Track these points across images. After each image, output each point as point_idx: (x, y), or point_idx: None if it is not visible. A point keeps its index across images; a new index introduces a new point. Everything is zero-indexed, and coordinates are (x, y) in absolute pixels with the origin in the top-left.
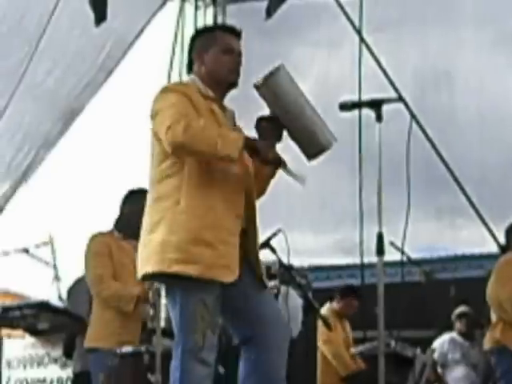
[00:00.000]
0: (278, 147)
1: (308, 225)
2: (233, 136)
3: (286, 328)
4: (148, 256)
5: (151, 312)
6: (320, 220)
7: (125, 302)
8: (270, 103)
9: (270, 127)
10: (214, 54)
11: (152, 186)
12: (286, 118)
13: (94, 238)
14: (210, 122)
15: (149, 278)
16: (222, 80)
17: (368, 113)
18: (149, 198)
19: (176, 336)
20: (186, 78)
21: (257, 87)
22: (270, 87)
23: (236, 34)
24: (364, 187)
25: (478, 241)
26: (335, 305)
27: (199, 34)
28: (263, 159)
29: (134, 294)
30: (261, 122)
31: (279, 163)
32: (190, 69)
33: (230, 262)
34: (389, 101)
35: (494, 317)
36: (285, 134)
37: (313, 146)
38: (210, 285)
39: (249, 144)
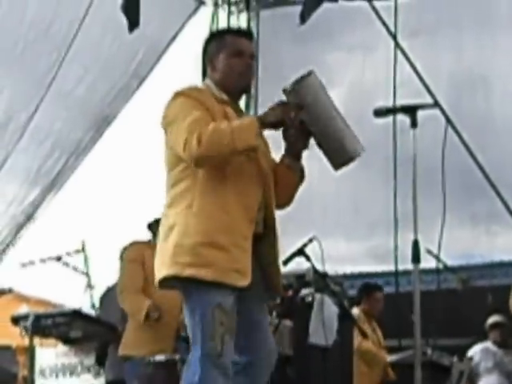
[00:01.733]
0: (305, 155)
1: (342, 232)
2: (246, 123)
3: (274, 349)
4: (163, 261)
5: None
6: (354, 227)
7: (136, 315)
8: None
9: (298, 133)
10: (224, 57)
11: (166, 192)
12: (314, 124)
13: (129, 245)
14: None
15: (164, 283)
16: (234, 83)
17: (403, 118)
18: (164, 204)
19: (193, 341)
20: None
21: (285, 92)
22: (299, 93)
23: (246, 36)
24: (398, 193)
25: None
26: (364, 306)
27: (210, 39)
28: (284, 125)
29: (143, 308)
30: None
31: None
32: (204, 75)
33: (242, 267)
34: (424, 106)
35: None
36: (312, 141)
37: (340, 155)
38: (225, 289)
39: (264, 121)
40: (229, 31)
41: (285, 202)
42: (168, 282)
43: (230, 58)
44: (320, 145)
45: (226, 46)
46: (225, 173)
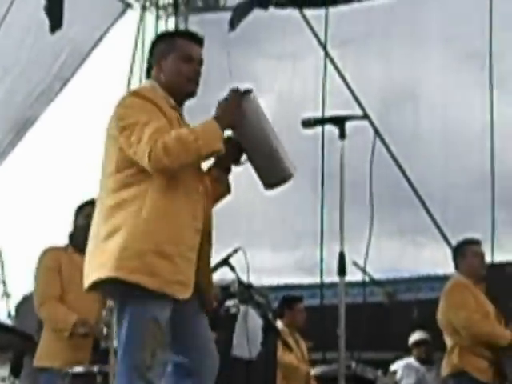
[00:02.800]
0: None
1: (268, 243)
2: (209, 128)
3: (217, 357)
4: (102, 262)
5: (105, 331)
6: (280, 238)
7: (60, 328)
8: (234, 127)
9: (230, 150)
10: (172, 61)
11: (107, 194)
12: (249, 142)
13: (45, 252)
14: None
15: (100, 284)
16: (180, 89)
17: (331, 129)
18: (103, 205)
19: (122, 352)
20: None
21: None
22: None
23: (198, 41)
24: (326, 205)
25: (441, 261)
26: (286, 318)
27: (159, 39)
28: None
29: (70, 322)
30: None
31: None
32: (148, 74)
33: (186, 278)
34: (353, 118)
35: (449, 341)
36: (245, 158)
37: (273, 176)
38: (165, 301)
39: (223, 123)
40: (180, 34)
41: None
42: (102, 285)
43: (179, 62)
44: (253, 163)
45: (175, 49)
46: (177, 181)
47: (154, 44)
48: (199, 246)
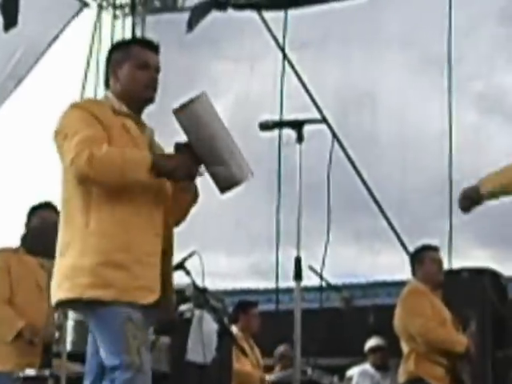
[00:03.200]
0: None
1: (223, 246)
2: (139, 157)
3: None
4: (59, 281)
5: (56, 334)
6: (235, 242)
7: (5, 331)
8: (187, 131)
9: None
10: (128, 69)
11: (62, 205)
12: (201, 147)
13: None
14: (118, 143)
15: (63, 305)
16: (137, 96)
17: (289, 133)
18: (60, 217)
19: (109, 360)
20: (101, 87)
21: (175, 113)
22: (188, 115)
23: (153, 48)
24: (282, 208)
25: (398, 267)
26: (241, 323)
27: (115, 48)
28: (175, 180)
29: (16, 327)
30: (177, 149)
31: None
32: (107, 84)
33: (147, 283)
34: (310, 121)
35: (405, 348)
36: None
37: (226, 180)
38: (130, 307)
39: (158, 166)
40: (136, 42)
41: (178, 219)
42: (67, 304)
43: (135, 70)
44: (207, 167)
45: (131, 56)
46: (120, 190)
47: (110, 53)
48: (166, 252)
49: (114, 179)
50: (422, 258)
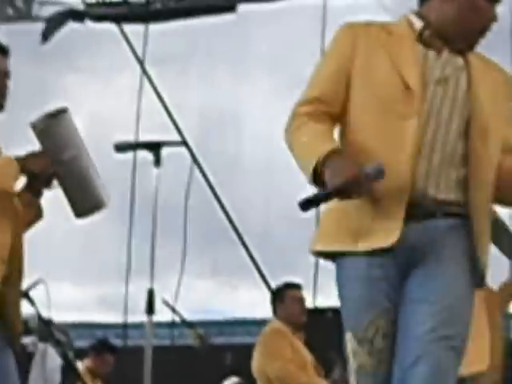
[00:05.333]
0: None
1: (69, 275)
2: (2, 163)
3: None
4: None
5: None
6: (83, 270)
7: None
8: (45, 148)
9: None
10: None
11: None
12: (60, 167)
13: None
14: None
15: None
16: None
17: (146, 155)
18: None
19: None
20: None
21: (33, 127)
22: (47, 131)
23: (1, 51)
24: (135, 236)
25: (258, 304)
26: (89, 362)
27: None
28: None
29: None
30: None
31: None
32: None
33: None
34: (169, 144)
35: None
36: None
37: (84, 204)
38: None
39: (24, 169)
40: None
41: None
42: None
43: None
44: (64, 188)
45: None
46: None
47: None
48: (9, 277)
49: None
50: (283, 296)
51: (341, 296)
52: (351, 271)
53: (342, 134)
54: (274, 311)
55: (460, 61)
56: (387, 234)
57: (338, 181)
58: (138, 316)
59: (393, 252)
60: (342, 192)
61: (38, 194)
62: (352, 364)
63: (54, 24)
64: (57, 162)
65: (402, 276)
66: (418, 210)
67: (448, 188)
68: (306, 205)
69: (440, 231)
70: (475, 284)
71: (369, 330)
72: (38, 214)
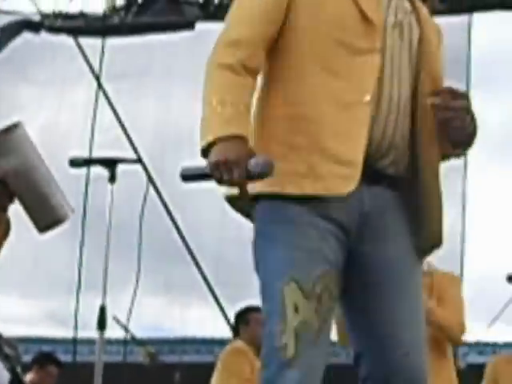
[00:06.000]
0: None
1: (17, 289)
2: None
3: None
4: None
5: None
6: (32, 283)
7: None
8: (1, 162)
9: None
10: None
11: None
12: (17, 182)
13: None
14: None
15: None
16: None
17: (101, 171)
18: None
19: None
20: None
21: None
22: (3, 146)
23: None
24: (88, 252)
25: (209, 323)
26: (33, 376)
27: None
28: None
29: None
30: None
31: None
32: None
33: None
34: (125, 161)
35: None
36: None
37: (46, 217)
38: None
39: None
40: None
41: None
42: None
43: None
44: (23, 204)
45: None
46: None
47: None
48: None
49: None
50: (247, 319)
51: (283, 240)
52: (299, 217)
53: (273, 59)
54: (236, 333)
55: (408, 5)
56: (343, 180)
57: (212, 161)
58: (89, 332)
59: (345, 208)
60: (214, 174)
61: (3, 209)
62: (291, 319)
63: (8, 34)
64: (13, 177)
65: (349, 246)
66: (369, 171)
67: (397, 149)
68: (187, 177)
69: (387, 203)
70: (420, 256)
71: (317, 285)
72: (6, 230)
